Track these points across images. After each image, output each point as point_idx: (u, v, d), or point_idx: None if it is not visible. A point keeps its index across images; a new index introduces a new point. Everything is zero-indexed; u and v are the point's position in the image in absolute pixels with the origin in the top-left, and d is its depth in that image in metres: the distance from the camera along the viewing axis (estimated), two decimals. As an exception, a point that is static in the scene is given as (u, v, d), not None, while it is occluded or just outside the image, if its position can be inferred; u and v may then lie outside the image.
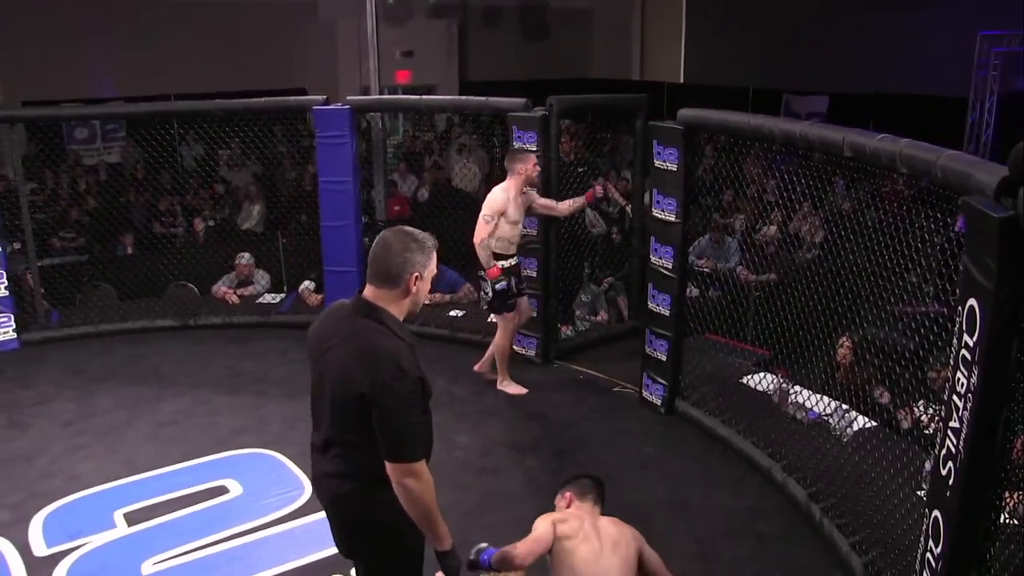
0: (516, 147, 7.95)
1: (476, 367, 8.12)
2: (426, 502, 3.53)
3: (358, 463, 3.60)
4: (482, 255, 7.34)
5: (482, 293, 7.60)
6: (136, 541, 5.69)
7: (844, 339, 6.65)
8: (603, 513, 4.66)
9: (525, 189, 7.46)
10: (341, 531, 3.83)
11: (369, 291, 3.63)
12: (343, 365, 3.53)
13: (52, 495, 6.23)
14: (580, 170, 8.89)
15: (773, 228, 7.66)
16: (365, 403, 3.42)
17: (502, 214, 7.36)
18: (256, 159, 13.11)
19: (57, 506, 6.11)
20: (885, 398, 6.26)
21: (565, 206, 7.82)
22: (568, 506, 4.64)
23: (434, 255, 3.70)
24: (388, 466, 3.46)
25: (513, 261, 7.57)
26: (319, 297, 9.73)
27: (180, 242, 11.31)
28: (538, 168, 7.53)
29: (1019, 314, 3.40)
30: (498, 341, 7.86)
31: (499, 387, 7.92)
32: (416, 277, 3.60)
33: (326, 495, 3.76)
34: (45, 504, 6.12)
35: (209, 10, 18.36)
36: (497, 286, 7.45)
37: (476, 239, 7.30)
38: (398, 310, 3.64)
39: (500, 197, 7.39)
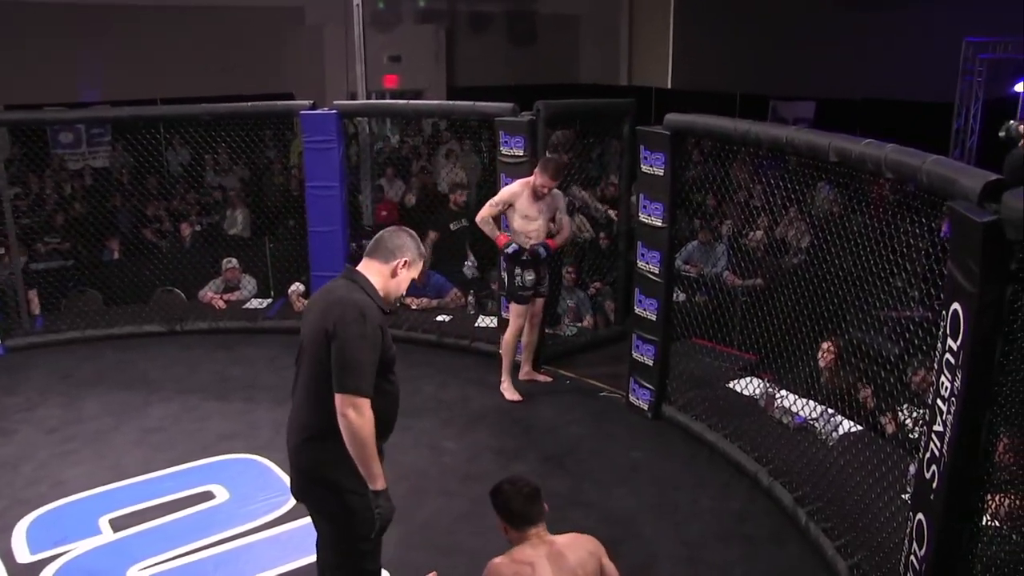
0: (549, 155, 7.91)
1: (521, 375, 8.07)
2: (364, 436, 3.79)
3: (310, 416, 3.96)
4: (486, 229, 7.58)
5: (497, 282, 7.59)
6: (121, 547, 5.67)
7: (827, 343, 6.66)
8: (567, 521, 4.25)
9: (543, 192, 7.46)
10: (294, 475, 4.13)
11: (362, 263, 4.08)
12: (319, 314, 3.92)
13: (37, 502, 6.20)
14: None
15: (759, 233, 7.68)
16: (328, 341, 3.81)
17: (510, 205, 7.50)
18: (243, 164, 13.09)
19: (42, 512, 6.08)
20: (870, 402, 6.26)
21: (561, 240, 7.83)
22: (507, 532, 4.02)
23: (422, 262, 4.16)
24: (336, 398, 3.77)
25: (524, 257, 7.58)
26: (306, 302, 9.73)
27: (167, 247, 11.29)
28: (546, 186, 7.42)
29: (1002, 318, 3.42)
30: (505, 336, 7.86)
31: (501, 388, 7.91)
32: (405, 262, 4.05)
33: (288, 442, 4.09)
34: (29, 511, 6.09)
35: (196, 15, 18.39)
36: (508, 249, 7.53)
37: (477, 218, 7.60)
38: (379, 282, 4.03)
39: (512, 187, 7.56)
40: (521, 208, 7.47)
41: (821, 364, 6.75)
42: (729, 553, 5.62)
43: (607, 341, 9.07)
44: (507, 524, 3.96)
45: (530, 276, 7.57)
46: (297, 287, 9.87)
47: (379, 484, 3.92)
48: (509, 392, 7.86)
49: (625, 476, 6.56)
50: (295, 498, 4.23)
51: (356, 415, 3.76)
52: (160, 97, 15.53)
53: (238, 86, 17.07)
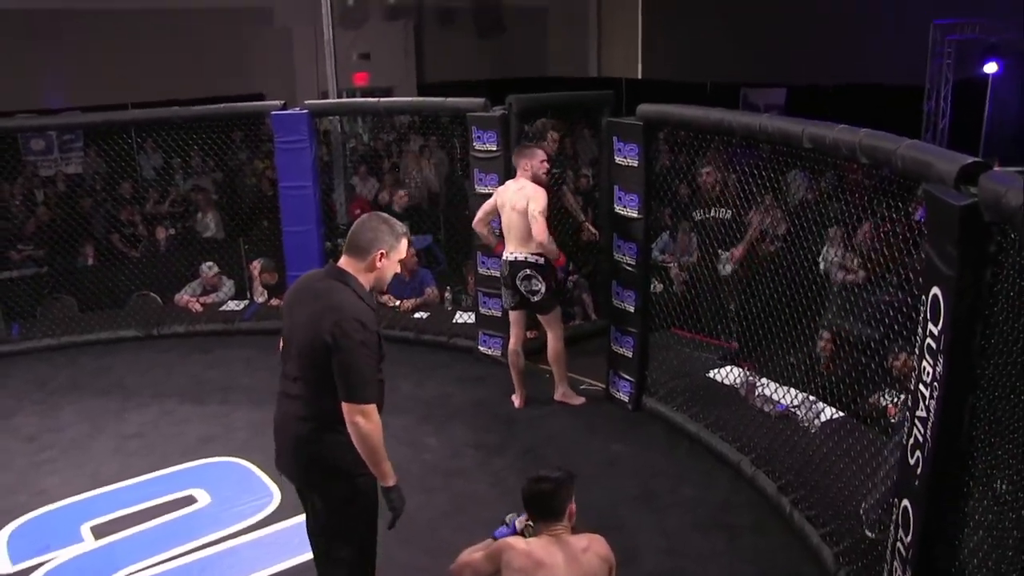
0: (525, 143, 7.83)
1: (556, 396, 7.72)
2: (374, 440, 3.94)
3: (316, 407, 4.02)
4: (552, 249, 7.15)
5: (529, 290, 7.29)
6: (104, 554, 5.63)
7: (824, 332, 6.68)
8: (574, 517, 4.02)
9: None
10: (298, 467, 4.18)
11: (342, 260, 4.12)
12: (312, 318, 3.96)
13: (17, 511, 6.15)
14: (555, 171, 8.78)
15: (728, 212, 7.66)
16: (328, 351, 3.86)
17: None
18: (215, 166, 13.01)
19: (23, 521, 6.04)
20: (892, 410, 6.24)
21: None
22: (527, 520, 3.99)
23: (404, 240, 4.17)
24: (344, 406, 3.89)
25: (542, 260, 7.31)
26: (272, 276, 9.80)
27: (142, 252, 11.22)
28: (545, 165, 7.30)
29: (982, 301, 3.42)
30: (555, 345, 7.53)
31: (559, 398, 7.69)
32: (382, 255, 4.07)
33: (285, 434, 4.15)
34: (10, 520, 6.04)
35: (164, 18, 18.27)
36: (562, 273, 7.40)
37: (544, 237, 7.03)
38: (365, 280, 4.09)
39: (541, 192, 7.15)
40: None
41: (821, 351, 6.75)
42: (711, 543, 5.63)
43: (587, 335, 8.96)
44: (527, 514, 3.97)
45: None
46: (259, 263, 9.87)
47: (390, 481, 4.07)
48: (574, 398, 7.70)
49: (606, 468, 6.56)
50: (300, 488, 4.31)
51: (365, 421, 3.90)
52: (131, 102, 15.43)
53: (208, 88, 16.97)
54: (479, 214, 7.55)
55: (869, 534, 5.17)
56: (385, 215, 4.24)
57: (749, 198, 6.86)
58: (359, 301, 3.99)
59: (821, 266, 7.20)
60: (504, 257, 7.30)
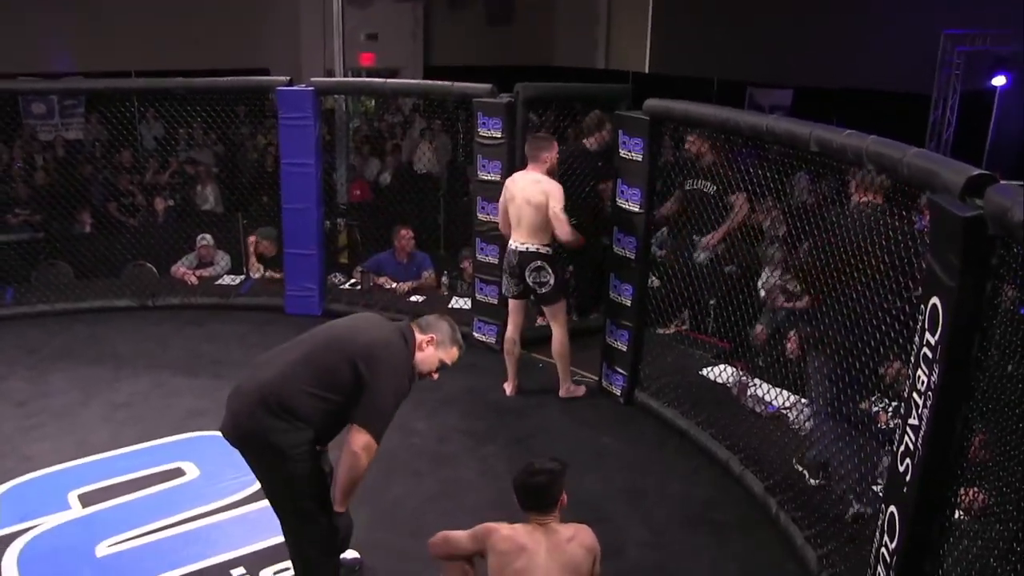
0: (540, 133, 7.77)
1: (561, 393, 7.62)
2: (360, 475, 4.23)
3: (303, 405, 4.18)
4: (574, 238, 7.17)
5: (537, 282, 7.23)
6: (90, 523, 5.64)
7: (791, 334, 6.68)
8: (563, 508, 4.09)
9: None
10: (243, 428, 4.32)
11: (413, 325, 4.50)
12: (351, 331, 4.37)
13: (3, 476, 6.14)
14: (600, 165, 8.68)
15: (712, 187, 7.64)
16: (355, 373, 4.13)
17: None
18: (217, 139, 13.00)
19: (9, 487, 6.03)
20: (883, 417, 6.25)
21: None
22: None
23: (456, 351, 4.57)
24: (353, 428, 4.15)
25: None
26: (270, 248, 9.82)
27: (139, 221, 11.20)
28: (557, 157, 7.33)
29: (981, 313, 3.41)
30: (561, 339, 7.45)
31: (564, 395, 7.60)
32: (431, 339, 4.46)
33: (244, 394, 4.32)
34: (-3, 484, 6.05)
35: (173, -13, 18.24)
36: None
37: (568, 234, 7.06)
38: (417, 354, 4.41)
39: (560, 188, 7.12)
40: None
41: (789, 353, 6.75)
42: (697, 539, 5.64)
43: (582, 328, 8.93)
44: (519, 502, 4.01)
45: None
46: (256, 235, 9.87)
47: (343, 508, 4.39)
48: (577, 388, 7.67)
49: (594, 461, 6.55)
50: (230, 441, 4.41)
51: (366, 456, 4.15)
52: (134, 70, 15.41)
53: (214, 60, 16.94)
54: (502, 216, 7.41)
55: (812, 482, 5.75)
56: (452, 322, 4.61)
57: (736, 178, 6.89)
58: (410, 357, 4.36)
59: (761, 293, 7.24)
60: (512, 247, 7.25)
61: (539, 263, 7.13)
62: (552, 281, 7.19)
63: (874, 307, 4.87)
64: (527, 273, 7.19)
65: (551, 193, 7.01)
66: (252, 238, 10.02)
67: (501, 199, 7.39)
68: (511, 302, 7.52)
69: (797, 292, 6.33)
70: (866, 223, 5.17)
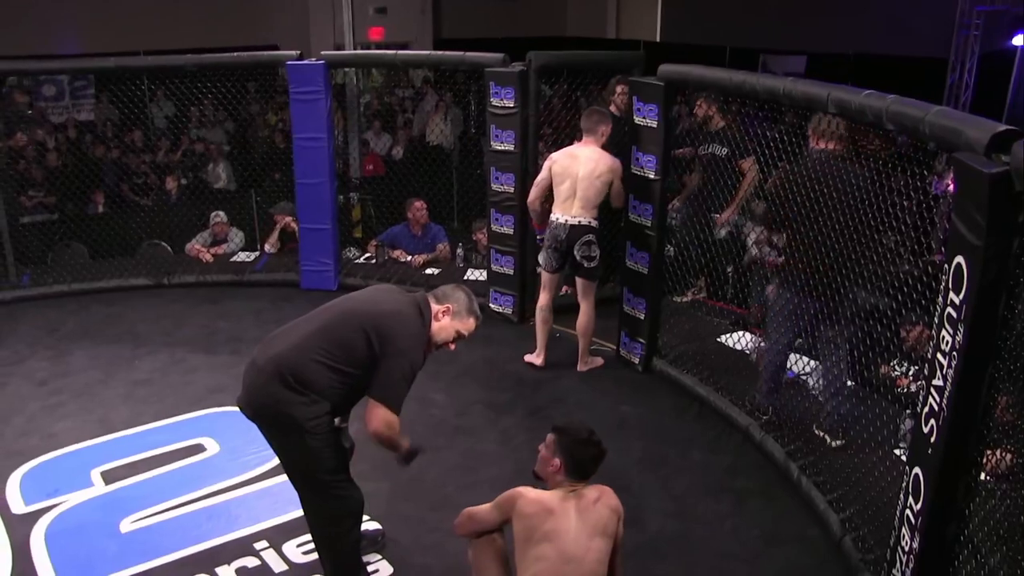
0: (597, 107, 7.67)
1: (579, 367, 7.60)
2: (392, 440, 4.26)
3: (318, 378, 4.15)
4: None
5: (586, 256, 7.19)
6: (113, 499, 5.66)
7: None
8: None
9: None
10: (258, 400, 4.26)
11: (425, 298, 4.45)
12: (370, 303, 4.34)
13: (29, 454, 6.18)
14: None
15: (724, 150, 7.66)
16: (369, 343, 4.12)
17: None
18: (227, 117, 12.98)
19: (34, 464, 6.07)
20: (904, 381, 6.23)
21: None
22: (556, 473, 3.95)
23: (473, 321, 4.51)
24: (370, 402, 4.15)
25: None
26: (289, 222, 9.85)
27: (152, 200, 11.21)
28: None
29: (1008, 271, 3.38)
30: (590, 315, 7.40)
31: (583, 368, 7.58)
32: (447, 309, 4.41)
33: (260, 366, 4.22)
34: (22, 463, 6.07)
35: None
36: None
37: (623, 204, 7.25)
38: (433, 324, 4.38)
39: (619, 163, 7.16)
40: None
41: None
42: (719, 507, 5.63)
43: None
44: (561, 467, 3.93)
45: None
46: (283, 205, 9.89)
47: (404, 450, 4.41)
48: (595, 362, 7.64)
49: (614, 429, 6.52)
50: (247, 415, 4.35)
51: (389, 431, 4.18)
52: (143, 49, 15.37)
53: (222, 38, 16.90)
54: (535, 191, 7.36)
55: (763, 417, 6.16)
56: (469, 292, 4.55)
57: (745, 140, 6.88)
58: (425, 330, 4.32)
59: (753, 251, 7.21)
60: (561, 220, 7.11)
61: (590, 237, 7.07)
62: (598, 256, 7.17)
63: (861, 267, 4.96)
64: (577, 247, 7.10)
65: (614, 169, 7.04)
66: (281, 216, 9.98)
67: (545, 172, 7.26)
68: (546, 275, 7.43)
69: (780, 245, 6.33)
70: (821, 169, 5.49)
